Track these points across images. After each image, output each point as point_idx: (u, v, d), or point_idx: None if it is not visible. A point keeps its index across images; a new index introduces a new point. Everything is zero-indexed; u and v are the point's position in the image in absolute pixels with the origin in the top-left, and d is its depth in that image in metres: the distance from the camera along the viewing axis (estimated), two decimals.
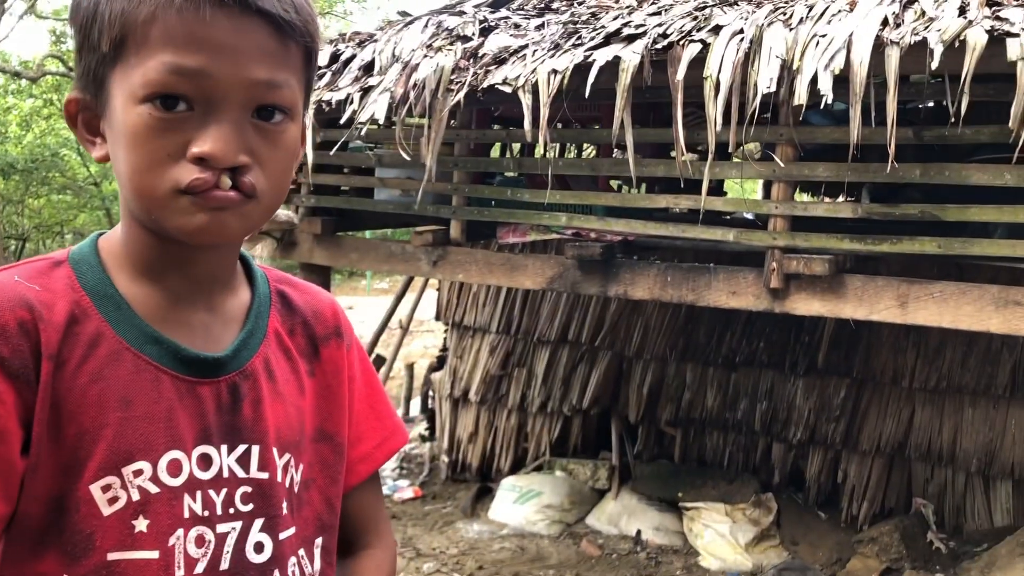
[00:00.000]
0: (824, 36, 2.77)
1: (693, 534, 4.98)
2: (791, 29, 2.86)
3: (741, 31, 2.93)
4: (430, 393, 6.52)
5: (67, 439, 0.85)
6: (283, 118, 0.88)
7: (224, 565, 0.91)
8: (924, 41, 2.61)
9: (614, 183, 4.93)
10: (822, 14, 2.89)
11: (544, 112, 3.09)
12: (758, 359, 5.38)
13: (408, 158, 3.51)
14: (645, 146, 4.22)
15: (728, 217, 4.93)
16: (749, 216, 4.59)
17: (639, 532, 5.05)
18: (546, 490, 5.33)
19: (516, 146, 6.02)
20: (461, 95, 3.34)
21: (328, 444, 1.04)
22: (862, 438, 5.14)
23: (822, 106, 2.85)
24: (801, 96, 2.75)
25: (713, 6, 3.24)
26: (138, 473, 0.87)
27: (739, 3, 3.24)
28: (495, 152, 5.82)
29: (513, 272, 3.81)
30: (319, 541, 1.02)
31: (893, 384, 5.04)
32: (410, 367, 7.68)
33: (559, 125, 3.87)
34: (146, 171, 0.83)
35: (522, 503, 5.28)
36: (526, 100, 3.17)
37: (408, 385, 7.56)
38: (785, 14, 2.96)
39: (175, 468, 0.89)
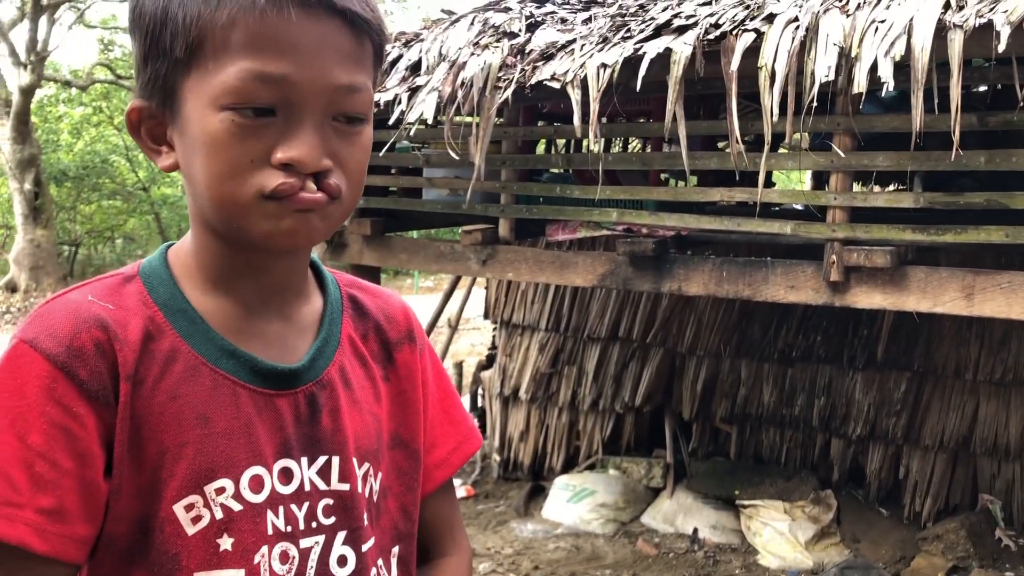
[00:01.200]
0: (883, 22, 2.69)
1: (751, 532, 4.89)
2: (848, 16, 2.77)
3: (796, 19, 2.85)
4: (479, 391, 6.50)
5: (148, 459, 0.84)
6: (361, 121, 0.87)
7: None
8: (990, 23, 2.51)
9: (663, 177, 4.87)
10: None
11: (594, 107, 3.04)
12: (815, 353, 5.28)
13: (457, 157, 3.48)
14: (695, 139, 4.14)
15: (777, 208, 4.84)
16: (799, 207, 4.50)
17: (696, 530, 4.98)
18: (600, 488, 5.28)
19: (561, 142, 5.98)
20: (509, 92, 3.30)
21: (404, 451, 1.02)
22: (924, 433, 5.01)
23: (883, 94, 2.77)
24: (860, 84, 2.67)
25: None
26: (220, 491, 0.86)
27: None
28: (540, 148, 5.78)
29: (563, 270, 3.77)
30: (396, 550, 1.00)
31: (956, 377, 4.91)
32: (459, 365, 7.68)
33: (604, 120, 3.82)
34: (228, 178, 0.82)
35: (576, 502, 5.23)
36: (575, 95, 3.12)
37: (457, 383, 7.55)
38: (842, 0, 2.88)
39: (257, 484, 0.87)
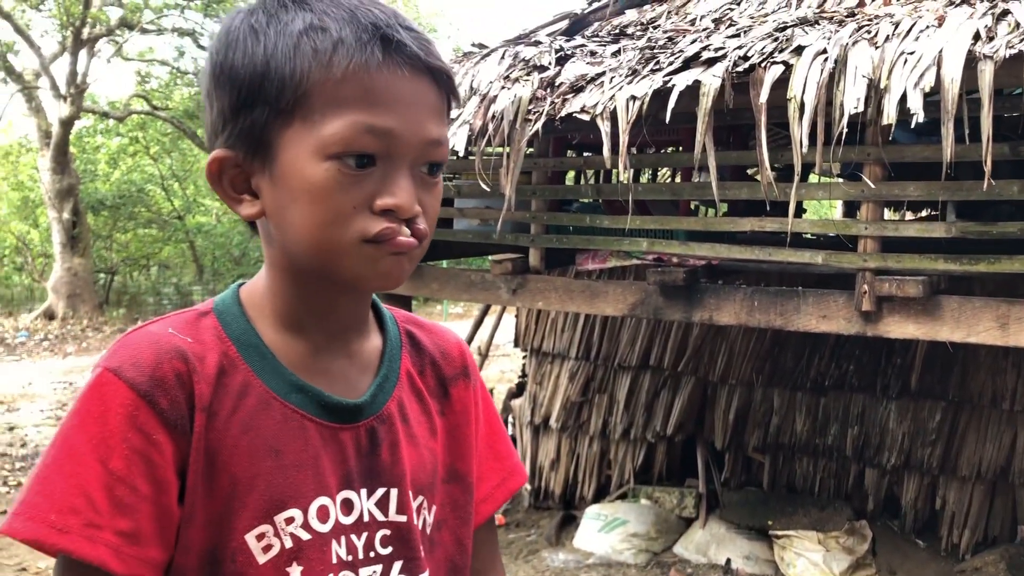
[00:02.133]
0: (912, 53, 2.70)
1: (785, 563, 4.84)
2: (877, 47, 2.79)
3: (824, 51, 2.87)
4: (510, 419, 6.51)
5: (221, 489, 0.87)
6: (440, 170, 0.92)
7: None
8: (1020, 54, 2.52)
9: (693, 206, 4.87)
10: (909, 31, 2.82)
11: (623, 138, 3.07)
12: (848, 383, 5.23)
13: (487, 188, 3.52)
14: (724, 168, 4.16)
15: (808, 237, 4.83)
16: (830, 235, 4.49)
17: (728, 561, 4.93)
18: (632, 518, 5.25)
19: (590, 172, 6.01)
20: (539, 124, 3.34)
21: (459, 485, 1.05)
22: (961, 463, 4.94)
23: (912, 125, 2.77)
24: (890, 115, 2.67)
25: (793, 26, 3.18)
26: (290, 520, 0.89)
27: (820, 23, 3.18)
28: (570, 179, 5.81)
29: (593, 299, 3.78)
30: None
31: (992, 406, 4.84)
32: (488, 393, 7.68)
33: (633, 150, 3.84)
34: (330, 224, 0.86)
35: (607, 532, 5.21)
36: (604, 127, 3.16)
37: None
38: (870, 32, 2.89)
39: (323, 514, 0.91)
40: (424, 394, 1.04)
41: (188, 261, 20.66)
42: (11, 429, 7.79)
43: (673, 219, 3.71)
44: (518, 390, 6.42)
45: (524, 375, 6.37)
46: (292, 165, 0.86)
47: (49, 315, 15.58)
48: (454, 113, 3.60)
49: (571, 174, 6.01)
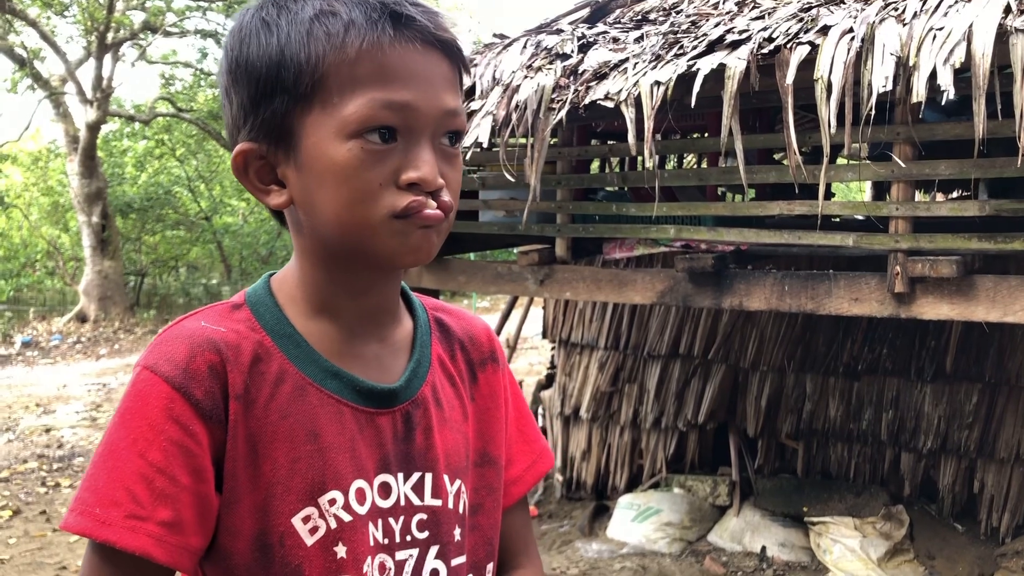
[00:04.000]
0: (941, 29, 2.65)
1: (821, 549, 4.80)
2: (905, 24, 2.74)
3: (851, 30, 2.82)
4: (539, 411, 6.50)
5: (264, 475, 0.89)
6: (459, 141, 0.93)
7: None
8: None
9: (720, 191, 4.83)
10: (937, 6, 2.77)
11: (648, 125, 3.05)
12: (882, 366, 5.17)
13: (512, 179, 3.50)
14: (751, 152, 4.12)
15: (837, 220, 4.77)
16: (860, 218, 4.43)
17: (764, 548, 4.90)
18: (665, 507, 5.23)
19: (615, 160, 5.98)
20: (563, 113, 3.32)
21: (492, 468, 1.06)
22: (999, 446, 4.88)
23: (943, 102, 2.72)
24: (919, 93, 2.63)
25: (819, 6, 3.14)
26: (332, 502, 0.91)
27: (845, 2, 3.14)
28: (594, 167, 5.78)
29: (622, 288, 3.76)
30: (490, 567, 1.04)
31: None
32: (515, 376, 7.67)
33: (658, 136, 3.81)
34: (360, 202, 0.87)
35: (641, 521, 5.19)
36: (629, 114, 3.13)
37: None
38: (897, 9, 2.84)
39: (361, 497, 0.93)
40: (456, 378, 1.05)
41: (216, 261, 20.84)
42: (48, 431, 7.89)
43: (701, 205, 3.68)
44: (547, 381, 6.42)
45: (553, 366, 6.36)
46: (316, 149, 0.87)
47: (81, 318, 15.76)
48: (477, 104, 3.59)
49: (596, 163, 5.98)
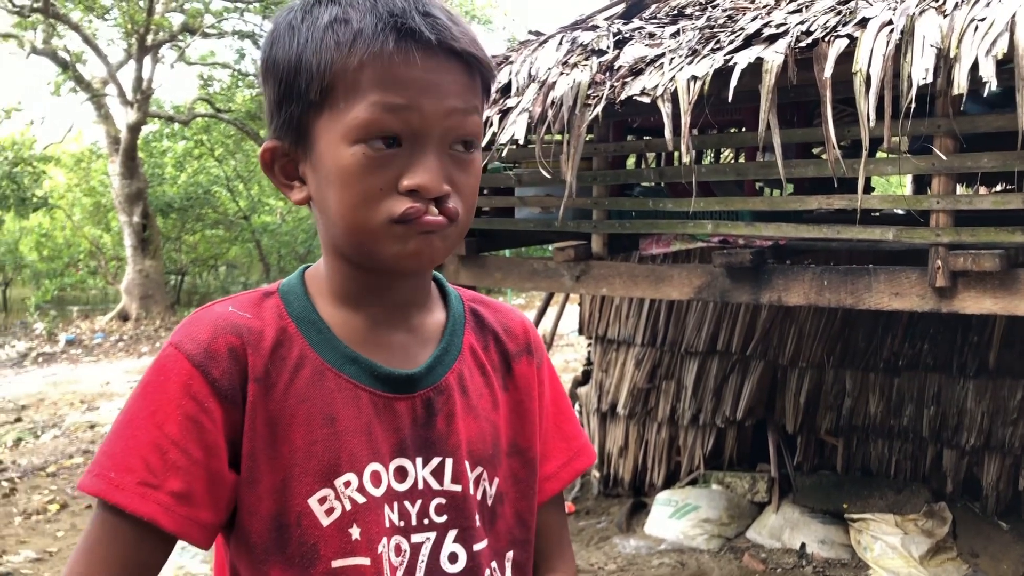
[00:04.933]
0: (983, 20, 2.61)
1: (862, 547, 4.76)
2: (946, 16, 2.71)
3: (890, 22, 2.80)
4: (576, 408, 6.50)
5: (282, 456, 0.92)
6: (473, 147, 0.94)
7: (419, 574, 0.96)
8: None
9: (758, 186, 4.80)
10: None
11: (685, 120, 3.04)
12: (923, 362, 5.11)
13: (548, 176, 3.51)
14: (789, 147, 4.09)
15: (877, 214, 4.72)
16: (900, 212, 4.39)
17: (803, 545, 4.87)
18: (703, 504, 5.21)
19: (651, 155, 5.95)
20: (599, 109, 3.32)
21: (520, 459, 1.07)
22: None
23: (985, 93, 2.69)
24: (961, 85, 2.60)
25: None
26: (347, 484, 0.94)
27: None
28: (631, 163, 5.77)
29: (659, 283, 3.75)
30: (510, 555, 1.05)
31: None
32: (556, 373, 7.67)
33: (695, 131, 3.79)
34: (360, 206, 0.90)
35: (679, 517, 5.18)
36: (666, 109, 3.12)
37: None
38: (938, 0, 2.81)
39: (376, 479, 0.95)
40: (487, 368, 1.06)
41: (255, 260, 21.05)
42: (92, 427, 8.04)
43: (738, 200, 3.66)
44: (584, 378, 6.42)
45: (589, 363, 6.36)
46: (325, 152, 0.91)
47: (123, 316, 16.01)
48: (512, 100, 3.59)
49: (631, 158, 5.96)
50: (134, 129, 15.79)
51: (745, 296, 3.51)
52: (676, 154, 4.40)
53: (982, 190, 7.68)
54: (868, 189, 3.56)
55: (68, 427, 8.06)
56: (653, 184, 4.50)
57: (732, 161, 6.86)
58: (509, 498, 1.05)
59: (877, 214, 4.73)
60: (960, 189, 6.22)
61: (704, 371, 5.53)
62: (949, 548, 4.64)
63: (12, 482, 6.33)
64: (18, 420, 8.48)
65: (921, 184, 7.16)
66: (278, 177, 0.97)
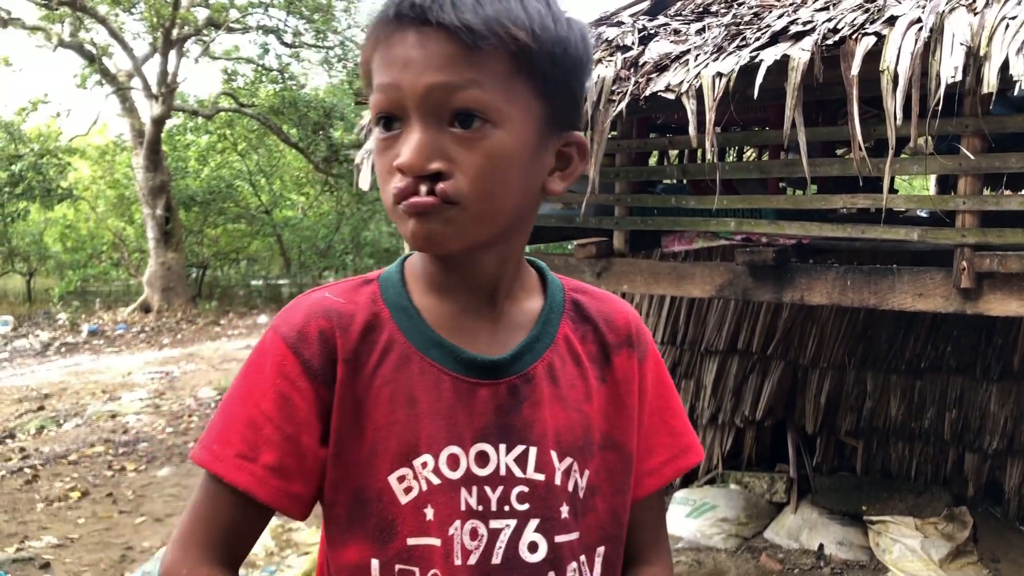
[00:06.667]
0: (1014, 18, 2.59)
1: (880, 549, 4.73)
2: (976, 14, 2.69)
3: (919, 20, 2.77)
4: None
5: (366, 434, 0.96)
6: (482, 123, 0.89)
7: (496, 560, 0.96)
8: None
9: (781, 185, 4.78)
10: None
11: (710, 116, 3.03)
12: (945, 364, 5.08)
13: None
14: (814, 145, 4.07)
15: (901, 214, 4.69)
16: (923, 213, 4.35)
17: (821, 546, 4.85)
18: (721, 503, 5.19)
19: (674, 152, 5.94)
20: (623, 105, 3.31)
21: (615, 453, 1.05)
22: None
23: (1014, 92, 2.66)
24: (990, 84, 2.57)
25: None
26: (424, 465, 0.95)
27: None
28: (652, 160, 5.75)
29: (680, 281, 3.74)
30: (601, 550, 1.03)
31: None
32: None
33: (718, 129, 3.78)
34: (382, 188, 0.94)
35: (696, 516, 5.16)
36: (690, 105, 3.11)
37: None
38: None
39: (453, 462, 0.96)
40: (583, 359, 1.04)
41: (275, 254, 21.17)
42: (113, 417, 8.11)
43: (762, 198, 3.64)
44: None
45: None
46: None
47: (145, 308, 16.14)
48: None
49: (654, 155, 5.95)
50: (158, 122, 15.90)
51: (767, 295, 3.49)
52: (699, 151, 4.39)
53: (1007, 191, 7.61)
54: (892, 189, 3.53)
55: (90, 416, 8.14)
56: (676, 181, 4.49)
57: (755, 159, 6.83)
58: (603, 492, 1.03)
59: (901, 214, 4.69)
60: (986, 190, 6.17)
61: (724, 370, 5.51)
62: (969, 552, 4.61)
63: (35, 469, 6.39)
64: (41, 408, 8.56)
65: (945, 185, 7.10)
66: None
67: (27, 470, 6.37)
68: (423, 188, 0.88)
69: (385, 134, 0.91)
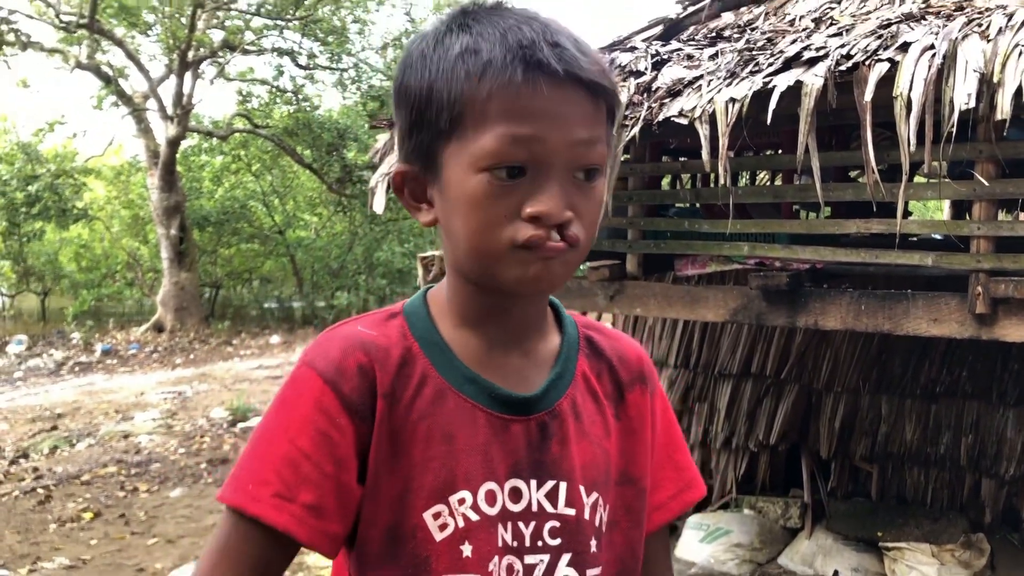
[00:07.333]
0: None
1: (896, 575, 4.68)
2: (989, 41, 2.69)
3: (932, 47, 2.78)
4: None
5: (401, 470, 0.96)
6: (597, 175, 0.94)
7: None
8: None
9: (795, 209, 4.77)
10: (1023, 23, 2.71)
11: (723, 141, 3.04)
12: (961, 389, 5.04)
13: None
14: (828, 170, 4.07)
15: (915, 239, 4.68)
16: (938, 237, 4.34)
17: (836, 573, 4.80)
18: (735, 528, 5.15)
19: (686, 176, 5.95)
20: (636, 130, 3.33)
21: (632, 488, 1.07)
22: None
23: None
24: (1004, 110, 2.58)
25: (898, 23, 3.10)
26: (461, 502, 0.95)
27: (926, 18, 3.09)
28: (665, 184, 5.76)
29: (694, 305, 3.74)
30: None
31: None
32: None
33: (731, 154, 3.79)
34: (485, 231, 0.92)
35: (709, 542, 5.13)
36: (703, 130, 3.12)
37: None
38: (981, 25, 2.79)
39: (491, 498, 0.97)
40: (600, 396, 1.06)
41: (288, 275, 21.22)
42: (126, 437, 8.12)
43: (775, 222, 3.65)
44: None
45: None
46: (453, 178, 0.93)
47: (158, 328, 16.20)
48: None
49: (666, 179, 5.96)
50: (173, 143, 16.02)
51: (781, 319, 3.49)
52: (712, 175, 4.39)
53: (1022, 216, 7.58)
54: (906, 214, 3.53)
55: (103, 436, 8.16)
56: (688, 205, 4.50)
57: (768, 183, 6.83)
58: (620, 527, 1.05)
59: (915, 239, 4.68)
60: (1001, 215, 6.15)
61: (738, 394, 5.49)
62: None
63: (48, 489, 6.41)
64: (54, 428, 8.59)
65: (959, 209, 7.09)
66: (407, 199, 1.00)
67: (40, 490, 6.38)
68: (555, 235, 0.91)
69: (507, 181, 0.90)
